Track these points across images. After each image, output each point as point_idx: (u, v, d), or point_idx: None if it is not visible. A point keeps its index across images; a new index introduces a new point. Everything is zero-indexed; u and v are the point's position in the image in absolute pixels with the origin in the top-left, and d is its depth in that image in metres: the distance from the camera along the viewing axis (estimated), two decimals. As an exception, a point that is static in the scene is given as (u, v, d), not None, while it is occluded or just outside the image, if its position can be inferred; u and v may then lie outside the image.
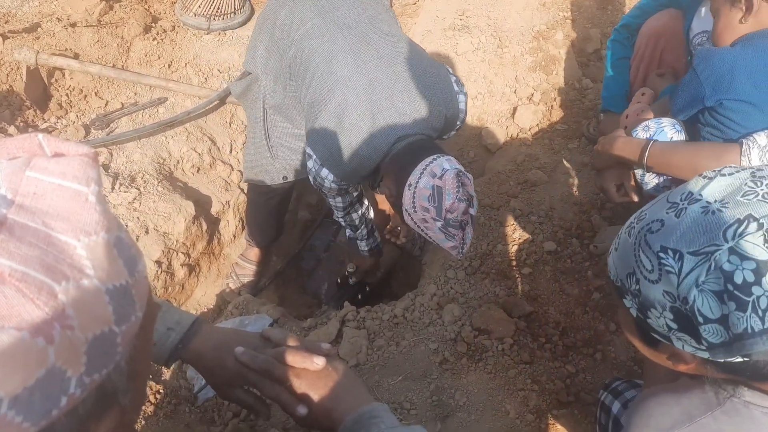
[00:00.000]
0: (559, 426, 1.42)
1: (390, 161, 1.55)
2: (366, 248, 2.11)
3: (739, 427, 0.73)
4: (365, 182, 1.81)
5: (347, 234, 2.06)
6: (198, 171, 2.39)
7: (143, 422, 1.50)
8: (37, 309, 0.36)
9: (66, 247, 0.40)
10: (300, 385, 0.89)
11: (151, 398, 1.57)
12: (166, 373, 1.64)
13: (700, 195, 0.74)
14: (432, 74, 1.64)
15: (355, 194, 1.89)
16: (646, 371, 1.10)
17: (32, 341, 0.35)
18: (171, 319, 0.96)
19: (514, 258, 1.89)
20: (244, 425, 1.44)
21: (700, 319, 0.70)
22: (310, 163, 1.68)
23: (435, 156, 1.44)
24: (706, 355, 0.73)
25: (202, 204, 2.30)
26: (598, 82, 2.58)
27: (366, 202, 2.00)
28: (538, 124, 2.52)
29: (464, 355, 1.58)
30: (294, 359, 0.91)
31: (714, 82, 1.36)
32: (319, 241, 2.82)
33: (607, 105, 2.19)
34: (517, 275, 1.83)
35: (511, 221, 2.03)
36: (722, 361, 0.73)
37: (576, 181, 2.15)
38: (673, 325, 0.74)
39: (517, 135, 2.52)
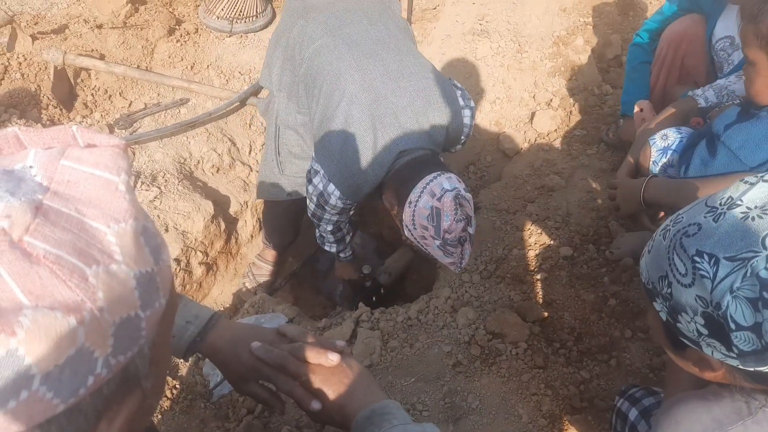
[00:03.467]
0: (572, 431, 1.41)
1: (392, 176, 1.58)
2: (350, 253, 2.16)
3: None
4: (371, 199, 1.83)
5: (333, 249, 2.07)
6: (218, 171, 2.42)
7: (159, 416, 1.53)
8: (69, 290, 0.38)
9: (97, 233, 0.42)
10: (314, 381, 0.90)
11: (168, 393, 1.59)
12: (182, 369, 1.67)
13: (741, 200, 0.73)
14: (437, 88, 1.65)
15: (350, 213, 1.89)
16: (669, 378, 1.09)
17: (64, 320, 0.37)
18: (189, 312, 0.98)
19: (529, 263, 1.88)
20: (257, 422, 1.46)
21: (732, 326, 0.69)
22: (316, 179, 1.69)
23: (436, 174, 1.46)
24: (735, 362, 0.72)
25: (220, 204, 2.33)
26: (618, 89, 2.56)
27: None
28: (556, 130, 2.51)
29: (478, 358, 1.58)
30: (309, 355, 0.92)
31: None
32: (335, 242, 2.84)
33: (627, 110, 2.17)
34: (532, 280, 1.82)
35: (527, 226, 2.02)
36: (752, 370, 0.72)
37: (594, 187, 2.13)
38: (704, 331, 0.73)
39: (535, 140, 2.51)
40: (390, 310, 1.81)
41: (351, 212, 1.89)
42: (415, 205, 1.45)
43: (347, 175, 1.61)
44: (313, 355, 0.92)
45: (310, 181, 1.73)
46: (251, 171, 2.50)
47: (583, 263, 1.84)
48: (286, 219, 2.31)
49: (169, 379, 1.62)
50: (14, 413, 0.36)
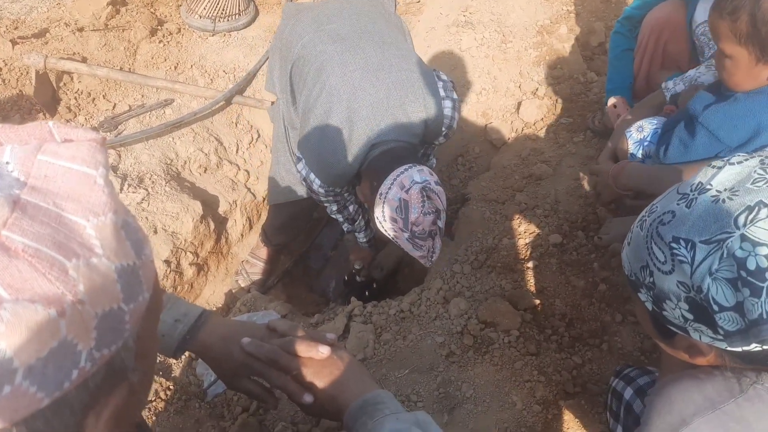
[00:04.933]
0: (566, 416, 1.42)
1: (366, 168, 1.60)
2: (364, 239, 2.17)
3: (762, 413, 0.73)
4: (353, 186, 1.86)
5: (345, 228, 2.10)
6: (205, 171, 2.41)
7: (154, 418, 1.52)
8: (49, 283, 0.38)
9: (76, 227, 0.41)
10: (305, 374, 0.91)
11: (162, 394, 1.58)
12: (176, 370, 1.66)
13: (710, 184, 0.74)
14: (417, 80, 1.65)
15: (346, 194, 1.92)
16: (663, 362, 1.10)
17: (45, 313, 0.37)
18: (178, 311, 0.98)
19: (519, 251, 1.89)
20: (252, 419, 1.46)
21: (715, 308, 0.70)
22: (300, 166, 1.72)
23: (407, 167, 1.47)
24: (723, 344, 0.73)
25: (209, 204, 2.32)
26: (603, 75, 2.57)
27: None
28: (543, 119, 2.52)
29: (471, 347, 1.58)
30: (299, 348, 0.92)
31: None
32: (327, 239, 2.84)
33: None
34: (522, 268, 1.83)
35: (516, 215, 2.03)
36: (740, 350, 0.73)
37: (581, 174, 2.15)
38: (689, 316, 0.75)
39: (522, 130, 2.52)
40: (382, 303, 1.81)
41: (347, 195, 1.90)
42: (385, 197, 1.46)
43: (324, 166, 1.64)
44: (304, 349, 0.92)
45: (295, 166, 1.77)
46: (239, 170, 2.49)
47: (573, 250, 1.85)
48: (302, 218, 2.37)
49: (162, 380, 1.61)
50: (-2, 408, 0.36)
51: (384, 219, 1.49)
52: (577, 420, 1.41)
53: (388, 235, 1.54)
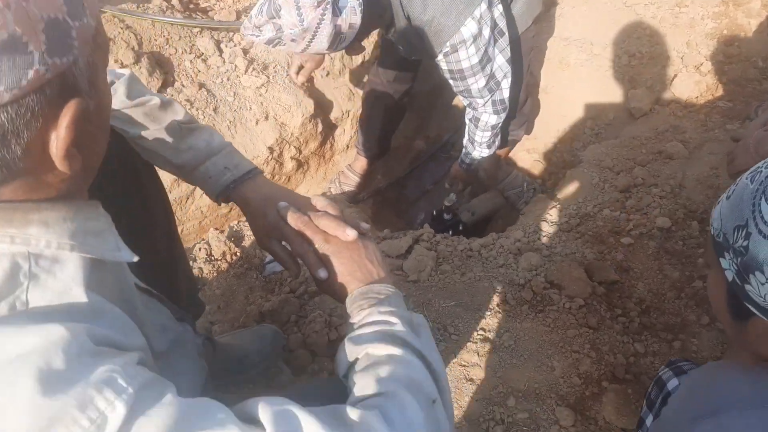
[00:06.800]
0: (604, 399, 1.29)
1: None
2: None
3: None
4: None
5: None
6: (327, 74, 2.45)
7: (215, 274, 1.65)
8: None
9: None
10: (326, 250, 0.90)
11: (228, 257, 1.70)
12: (247, 240, 1.77)
13: None
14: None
15: None
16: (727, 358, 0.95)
17: None
18: (231, 160, 1.02)
19: (617, 225, 1.71)
20: (294, 300, 1.52)
21: None
22: None
23: None
24: None
25: (322, 106, 2.37)
26: (789, 64, 2.18)
27: None
28: (697, 97, 2.20)
29: (527, 302, 1.49)
30: (328, 224, 0.91)
31: None
32: (429, 174, 2.81)
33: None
34: (614, 242, 1.66)
35: (628, 188, 1.83)
36: None
37: (721, 164, 1.86)
38: None
39: (669, 104, 2.23)
40: (452, 238, 1.76)
41: None
42: None
43: None
44: (333, 226, 0.91)
45: None
46: (360, 81, 2.50)
47: (680, 239, 1.63)
48: (372, 117, 2.32)
49: (231, 244, 1.72)
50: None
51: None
52: (615, 407, 1.28)
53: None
